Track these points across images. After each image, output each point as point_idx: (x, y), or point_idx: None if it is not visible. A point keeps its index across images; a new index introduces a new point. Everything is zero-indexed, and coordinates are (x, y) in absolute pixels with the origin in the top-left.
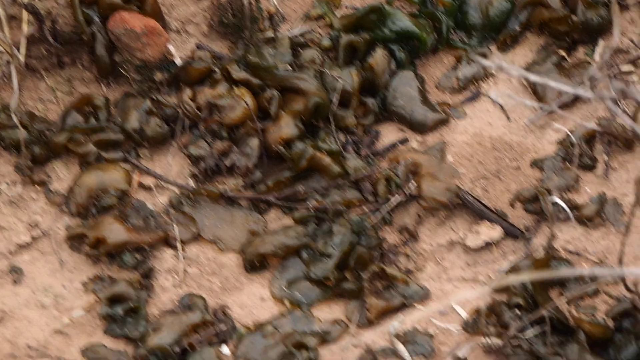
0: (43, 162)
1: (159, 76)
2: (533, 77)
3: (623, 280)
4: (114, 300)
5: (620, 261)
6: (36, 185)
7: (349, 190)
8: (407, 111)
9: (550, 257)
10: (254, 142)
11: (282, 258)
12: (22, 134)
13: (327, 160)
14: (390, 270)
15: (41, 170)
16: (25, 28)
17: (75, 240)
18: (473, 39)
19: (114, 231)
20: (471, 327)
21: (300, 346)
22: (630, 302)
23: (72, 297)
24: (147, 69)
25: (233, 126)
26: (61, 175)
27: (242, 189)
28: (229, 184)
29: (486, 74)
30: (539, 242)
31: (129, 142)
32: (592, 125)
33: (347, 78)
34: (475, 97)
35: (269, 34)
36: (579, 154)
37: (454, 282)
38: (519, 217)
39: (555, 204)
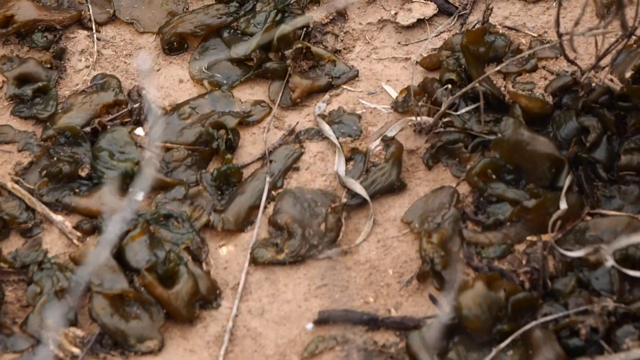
0: None
1: None
2: None
3: (563, 51)
4: (22, 80)
5: (558, 31)
6: None
7: None
8: None
9: (485, 30)
10: None
11: (202, 38)
12: None
13: None
14: (317, 49)
15: None
16: None
17: None
18: None
19: (23, 8)
20: (401, 106)
21: (219, 126)
22: (571, 75)
23: None
24: None
25: None
26: None
27: None
28: None
29: None
30: (475, 19)
31: None
32: None
33: None
34: None
35: None
36: None
37: (384, 61)
38: None
39: None
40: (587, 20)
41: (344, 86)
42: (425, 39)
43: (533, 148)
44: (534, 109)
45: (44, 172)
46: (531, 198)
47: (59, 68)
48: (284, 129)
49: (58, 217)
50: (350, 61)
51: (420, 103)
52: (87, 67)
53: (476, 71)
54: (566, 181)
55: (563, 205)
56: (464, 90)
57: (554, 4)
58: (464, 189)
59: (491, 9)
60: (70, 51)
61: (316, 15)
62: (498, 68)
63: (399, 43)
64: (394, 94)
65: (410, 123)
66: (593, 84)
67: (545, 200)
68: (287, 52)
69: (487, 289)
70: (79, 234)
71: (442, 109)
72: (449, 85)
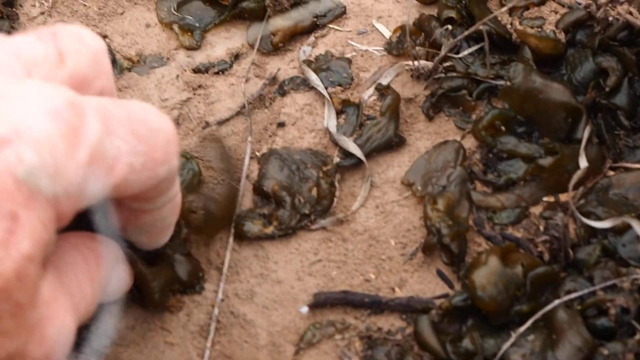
0: None
1: None
2: None
3: None
4: None
5: None
6: None
7: None
8: None
9: None
10: None
11: None
12: None
13: None
14: None
15: None
16: None
17: None
18: None
19: None
20: (395, 48)
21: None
22: (585, 9)
23: None
24: None
25: None
26: None
27: None
28: None
29: None
30: None
31: None
32: None
33: None
34: None
35: None
36: None
37: None
38: None
39: None
40: None
41: (331, 25)
42: None
43: (546, 96)
44: (545, 50)
45: None
46: (546, 154)
47: (10, 17)
48: (265, 77)
49: None
50: None
51: (416, 45)
52: (42, 13)
53: (478, 8)
54: (585, 133)
55: (583, 162)
56: (466, 32)
57: None
58: (469, 142)
59: None
60: None
61: None
62: (505, 8)
63: None
64: (387, 33)
65: (406, 68)
66: (610, 19)
67: (562, 157)
68: None
69: (502, 264)
70: None
71: (443, 52)
72: (449, 26)
